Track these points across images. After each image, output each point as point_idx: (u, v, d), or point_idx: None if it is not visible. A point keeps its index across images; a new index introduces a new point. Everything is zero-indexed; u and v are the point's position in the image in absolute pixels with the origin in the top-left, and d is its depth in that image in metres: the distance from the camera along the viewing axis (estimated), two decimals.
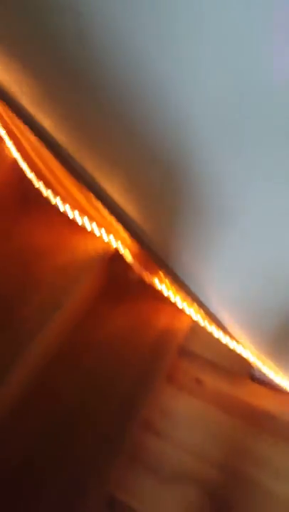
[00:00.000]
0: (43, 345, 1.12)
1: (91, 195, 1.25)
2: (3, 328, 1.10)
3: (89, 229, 1.26)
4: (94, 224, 1.25)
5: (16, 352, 1.07)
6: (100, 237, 1.27)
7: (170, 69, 0.95)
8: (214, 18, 0.84)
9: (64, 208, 1.25)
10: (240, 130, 0.96)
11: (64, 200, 1.26)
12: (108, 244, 1.27)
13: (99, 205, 1.25)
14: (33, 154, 1.21)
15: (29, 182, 1.23)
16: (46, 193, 1.24)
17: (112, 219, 1.26)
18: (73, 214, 1.25)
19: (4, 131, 1.18)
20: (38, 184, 1.24)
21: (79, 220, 1.26)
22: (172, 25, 0.88)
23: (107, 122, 1.14)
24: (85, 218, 1.25)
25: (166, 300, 1.37)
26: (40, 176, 1.25)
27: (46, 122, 1.22)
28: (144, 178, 1.23)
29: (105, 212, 1.26)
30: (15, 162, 1.20)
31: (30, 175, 1.23)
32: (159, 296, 1.37)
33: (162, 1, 0.87)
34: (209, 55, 0.89)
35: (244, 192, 1.14)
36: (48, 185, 1.26)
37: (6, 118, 1.17)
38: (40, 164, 1.24)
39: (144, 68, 0.98)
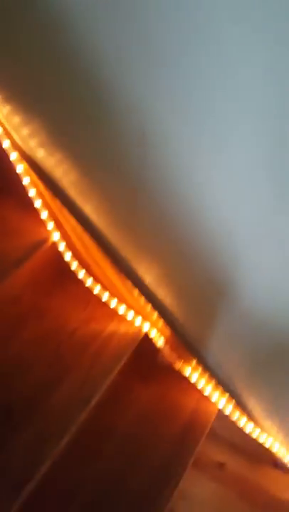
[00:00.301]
0: (69, 436, 1.08)
1: (128, 281, 1.23)
2: (31, 421, 1.06)
3: (121, 312, 1.24)
4: (128, 310, 1.23)
5: (42, 449, 1.03)
6: (132, 321, 1.24)
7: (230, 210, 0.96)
8: None
9: (99, 291, 1.23)
10: None
11: (100, 283, 1.24)
12: (140, 328, 1.24)
13: (135, 291, 1.23)
14: (73, 237, 1.19)
15: (66, 264, 1.21)
16: (82, 275, 1.21)
17: (147, 305, 1.24)
18: (108, 298, 1.22)
19: (47, 215, 1.16)
20: (75, 267, 1.21)
21: (113, 304, 1.23)
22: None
23: (150, 225, 1.12)
24: (122, 305, 1.22)
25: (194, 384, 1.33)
26: (78, 258, 1.22)
27: (87, 207, 1.20)
28: (183, 273, 1.21)
29: (141, 298, 1.23)
30: (54, 245, 1.18)
31: (69, 257, 1.20)
32: (187, 379, 1.34)
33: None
34: None
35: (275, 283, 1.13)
36: (85, 267, 1.23)
37: (50, 203, 1.16)
38: (79, 247, 1.22)
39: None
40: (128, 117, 0.95)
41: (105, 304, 1.25)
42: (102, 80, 0.94)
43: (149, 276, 1.23)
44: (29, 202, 1.18)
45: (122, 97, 0.93)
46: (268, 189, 0.95)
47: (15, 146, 1.12)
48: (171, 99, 0.89)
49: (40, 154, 1.12)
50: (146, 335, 1.25)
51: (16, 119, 1.11)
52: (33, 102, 1.11)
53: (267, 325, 1.19)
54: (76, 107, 1.02)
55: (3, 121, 1.12)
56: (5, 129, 1.11)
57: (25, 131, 1.11)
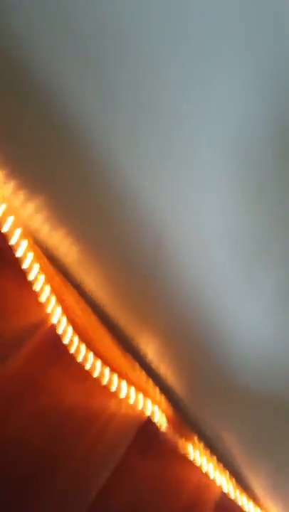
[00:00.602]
0: None
1: (129, 355, 1.19)
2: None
3: (123, 390, 1.19)
4: (130, 388, 1.18)
5: None
6: (134, 399, 1.19)
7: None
8: None
9: (100, 367, 1.18)
10: None
11: (101, 358, 1.19)
12: (142, 407, 1.20)
13: (136, 366, 1.19)
14: (75, 311, 1.16)
15: (67, 341, 1.17)
16: (83, 352, 1.17)
17: (148, 381, 1.20)
18: (110, 375, 1.18)
19: (49, 291, 1.13)
20: (76, 343, 1.17)
21: (115, 381, 1.18)
22: None
23: (154, 301, 1.10)
24: (123, 382, 1.18)
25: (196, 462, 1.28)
26: (79, 333, 1.18)
27: (90, 282, 1.17)
28: (184, 347, 1.18)
29: (142, 373, 1.20)
30: (55, 323, 1.14)
31: (70, 334, 1.16)
32: (189, 457, 1.29)
33: None
34: None
35: None
36: (86, 341, 1.19)
37: (52, 278, 1.12)
38: (80, 321, 1.18)
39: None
40: (143, 215, 0.94)
41: (106, 381, 1.20)
42: (115, 176, 0.92)
43: (150, 349, 1.20)
44: (29, 276, 1.15)
45: (137, 197, 0.92)
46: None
47: (18, 221, 1.09)
48: (186, 202, 0.87)
49: (45, 230, 1.10)
50: (148, 413, 1.21)
51: (20, 195, 1.09)
52: (39, 178, 1.08)
53: (267, 400, 1.17)
54: (86, 193, 1.00)
55: (7, 197, 1.09)
56: (8, 206, 1.08)
57: (29, 206, 1.09)
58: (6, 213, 1.07)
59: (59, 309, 1.15)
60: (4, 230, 1.03)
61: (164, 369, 1.18)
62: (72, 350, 1.15)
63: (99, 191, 1.02)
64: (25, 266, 1.08)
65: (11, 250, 1.06)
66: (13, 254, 1.07)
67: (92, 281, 1.14)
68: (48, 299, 1.14)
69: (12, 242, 1.04)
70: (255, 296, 1.00)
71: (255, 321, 1.02)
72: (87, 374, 1.20)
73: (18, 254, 1.06)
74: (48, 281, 1.13)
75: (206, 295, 1.02)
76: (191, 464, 1.28)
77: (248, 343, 1.07)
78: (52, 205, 1.08)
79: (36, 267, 1.12)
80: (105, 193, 1.02)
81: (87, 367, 1.17)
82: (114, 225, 1.05)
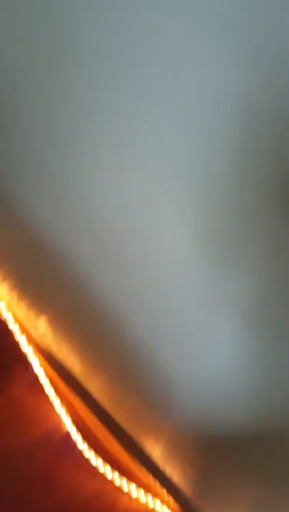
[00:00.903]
0: None
1: (135, 457, 1.26)
2: None
3: (134, 495, 1.24)
4: (139, 490, 1.23)
5: None
6: (143, 499, 1.24)
7: None
8: None
9: (111, 473, 1.24)
10: None
11: (110, 463, 1.25)
12: (151, 506, 1.24)
13: (143, 468, 1.25)
14: (86, 420, 1.23)
15: (80, 451, 1.23)
16: (96, 462, 1.23)
17: (156, 483, 1.25)
18: (120, 481, 1.23)
19: (60, 403, 1.20)
20: (87, 451, 1.23)
21: (125, 487, 1.24)
22: None
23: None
24: (132, 485, 1.23)
25: None
26: (89, 441, 1.24)
27: (95, 391, 1.25)
28: (190, 447, 1.25)
29: (150, 476, 1.25)
30: (67, 433, 1.21)
31: (81, 444, 1.22)
32: None
33: None
34: None
35: None
36: (96, 448, 1.25)
37: (62, 390, 1.20)
38: (91, 428, 1.24)
39: None
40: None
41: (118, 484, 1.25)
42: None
43: (155, 450, 1.26)
44: (41, 388, 1.22)
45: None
46: None
47: (30, 340, 1.18)
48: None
49: (54, 347, 1.19)
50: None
51: (31, 314, 1.19)
52: (46, 298, 1.19)
53: (275, 492, 1.22)
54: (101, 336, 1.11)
55: (19, 317, 1.19)
56: (21, 326, 1.18)
57: (40, 326, 1.19)
58: (21, 332, 1.17)
59: (68, 419, 1.22)
60: (24, 349, 1.12)
61: (170, 470, 1.24)
62: (85, 455, 1.20)
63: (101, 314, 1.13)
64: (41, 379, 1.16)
65: (29, 366, 1.15)
66: (31, 369, 1.16)
67: (96, 390, 1.22)
68: (59, 410, 1.21)
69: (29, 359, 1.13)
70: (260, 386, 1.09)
71: (258, 417, 1.11)
72: (99, 474, 1.25)
73: (35, 369, 1.14)
74: (58, 394, 1.21)
75: (212, 401, 1.11)
76: None
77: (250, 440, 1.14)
78: (59, 321, 1.19)
79: (47, 381, 1.20)
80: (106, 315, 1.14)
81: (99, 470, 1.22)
82: (115, 344, 1.16)
